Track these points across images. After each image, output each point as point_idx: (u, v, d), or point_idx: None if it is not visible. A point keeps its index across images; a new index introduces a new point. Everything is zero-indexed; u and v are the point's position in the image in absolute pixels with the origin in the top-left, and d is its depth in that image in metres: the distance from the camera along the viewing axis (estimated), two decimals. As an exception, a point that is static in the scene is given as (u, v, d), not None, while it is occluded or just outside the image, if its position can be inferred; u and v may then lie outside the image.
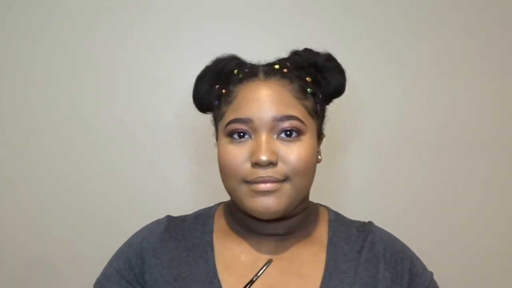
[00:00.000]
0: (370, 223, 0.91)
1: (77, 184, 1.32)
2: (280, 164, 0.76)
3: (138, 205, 1.33)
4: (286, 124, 0.76)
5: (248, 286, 0.72)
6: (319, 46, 0.84)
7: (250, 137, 0.77)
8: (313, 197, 0.94)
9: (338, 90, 0.86)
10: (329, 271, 0.81)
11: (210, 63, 0.87)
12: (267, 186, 0.75)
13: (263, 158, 0.74)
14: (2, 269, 1.31)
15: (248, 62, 0.87)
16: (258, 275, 0.73)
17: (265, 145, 0.75)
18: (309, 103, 0.80)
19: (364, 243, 0.85)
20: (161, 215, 0.91)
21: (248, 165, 0.76)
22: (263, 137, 0.76)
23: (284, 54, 0.87)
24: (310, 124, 0.79)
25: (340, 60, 0.86)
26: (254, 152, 0.76)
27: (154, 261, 0.83)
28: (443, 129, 1.35)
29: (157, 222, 0.90)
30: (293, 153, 0.76)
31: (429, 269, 0.87)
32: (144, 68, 1.32)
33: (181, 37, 1.33)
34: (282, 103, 0.77)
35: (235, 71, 0.82)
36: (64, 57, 1.30)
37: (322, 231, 0.87)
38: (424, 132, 1.34)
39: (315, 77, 0.83)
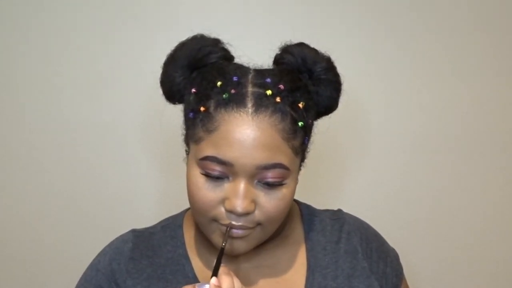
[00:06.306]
0: (340, 210, 0.90)
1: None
2: (256, 212, 0.71)
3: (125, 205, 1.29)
4: (270, 174, 0.69)
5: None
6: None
7: (228, 178, 0.70)
8: (314, 199, 0.93)
9: (329, 107, 0.80)
10: (311, 270, 0.80)
11: (186, 42, 0.76)
12: (238, 233, 0.71)
13: (239, 210, 0.69)
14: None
15: (232, 60, 0.77)
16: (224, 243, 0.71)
17: (243, 194, 0.69)
18: (297, 140, 0.72)
19: (341, 233, 0.84)
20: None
21: (222, 208, 0.71)
22: (242, 184, 0.69)
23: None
24: (294, 166, 0.72)
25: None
26: (230, 198, 0.70)
27: (130, 282, 0.78)
28: (445, 130, 1.34)
29: (122, 240, 0.83)
30: (272, 201, 0.71)
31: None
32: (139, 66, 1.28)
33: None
34: (270, 148, 0.68)
35: (219, 83, 0.70)
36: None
37: (297, 229, 0.85)
38: (427, 132, 1.33)
39: (307, 92, 0.75)
